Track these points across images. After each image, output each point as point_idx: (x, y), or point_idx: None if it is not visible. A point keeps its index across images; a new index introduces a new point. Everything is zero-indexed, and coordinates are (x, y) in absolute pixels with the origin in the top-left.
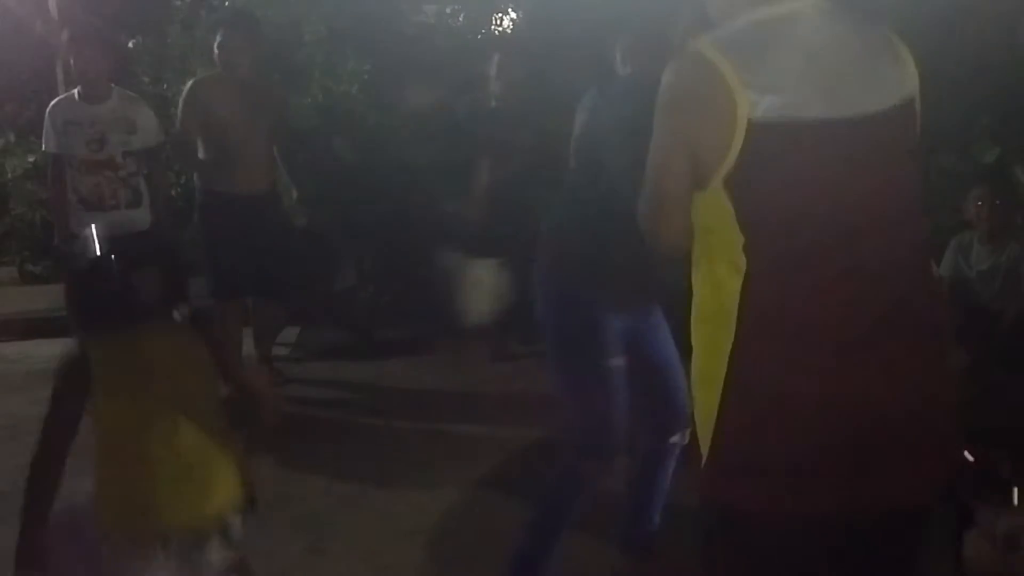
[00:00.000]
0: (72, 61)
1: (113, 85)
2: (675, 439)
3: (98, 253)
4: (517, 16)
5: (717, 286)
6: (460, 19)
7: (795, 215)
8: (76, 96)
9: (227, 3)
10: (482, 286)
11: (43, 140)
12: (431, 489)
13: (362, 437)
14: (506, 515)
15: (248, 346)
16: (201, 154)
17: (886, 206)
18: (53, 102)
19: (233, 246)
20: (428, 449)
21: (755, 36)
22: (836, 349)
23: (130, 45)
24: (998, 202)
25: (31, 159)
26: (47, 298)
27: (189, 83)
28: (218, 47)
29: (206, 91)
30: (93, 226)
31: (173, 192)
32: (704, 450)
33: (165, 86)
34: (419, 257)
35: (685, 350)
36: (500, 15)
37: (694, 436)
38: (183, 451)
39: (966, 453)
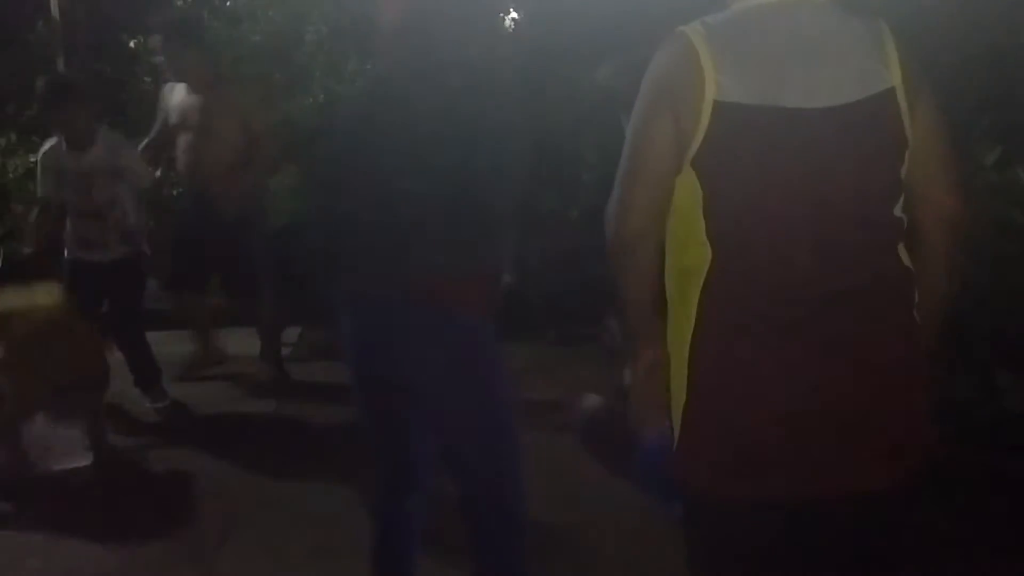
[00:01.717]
0: (50, 114)
1: (98, 128)
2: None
3: None
4: (519, 16)
5: (684, 272)
6: None
7: (756, 199)
8: (63, 144)
9: (228, 3)
10: None
11: (38, 185)
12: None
13: (362, 437)
14: None
15: (251, 346)
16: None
17: (853, 194)
18: (43, 149)
19: (188, 243)
20: None
21: (741, 22)
22: (798, 334)
23: (131, 45)
24: None
25: (32, 159)
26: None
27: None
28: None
29: (167, 96)
30: None
31: (175, 192)
32: (675, 435)
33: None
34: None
35: None
36: (502, 15)
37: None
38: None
39: None
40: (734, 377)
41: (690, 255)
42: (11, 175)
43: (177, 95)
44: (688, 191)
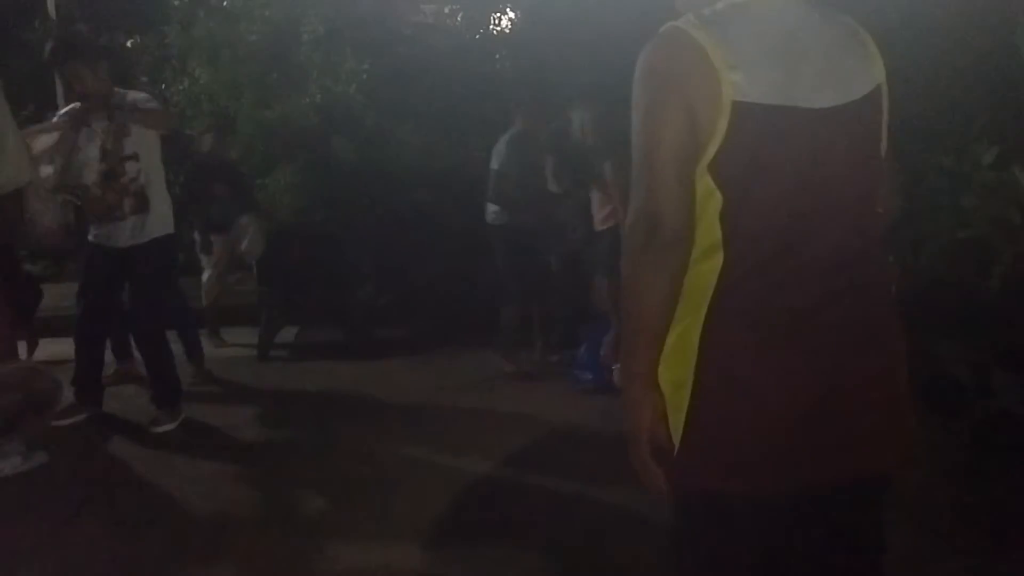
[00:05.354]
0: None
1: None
2: None
3: None
4: (515, 16)
5: (694, 276)
6: (458, 19)
7: (779, 201)
8: None
9: (225, 3)
10: None
11: None
12: (429, 489)
13: (360, 436)
14: (503, 514)
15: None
16: None
17: (855, 192)
18: None
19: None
20: (426, 449)
21: (734, 19)
22: (806, 331)
23: (128, 45)
24: None
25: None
26: (48, 297)
27: None
28: None
29: None
30: None
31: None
32: (676, 438)
33: (163, 86)
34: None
35: None
36: (498, 15)
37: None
38: None
39: None
40: (744, 376)
41: (702, 259)
42: None
43: None
44: (701, 196)
